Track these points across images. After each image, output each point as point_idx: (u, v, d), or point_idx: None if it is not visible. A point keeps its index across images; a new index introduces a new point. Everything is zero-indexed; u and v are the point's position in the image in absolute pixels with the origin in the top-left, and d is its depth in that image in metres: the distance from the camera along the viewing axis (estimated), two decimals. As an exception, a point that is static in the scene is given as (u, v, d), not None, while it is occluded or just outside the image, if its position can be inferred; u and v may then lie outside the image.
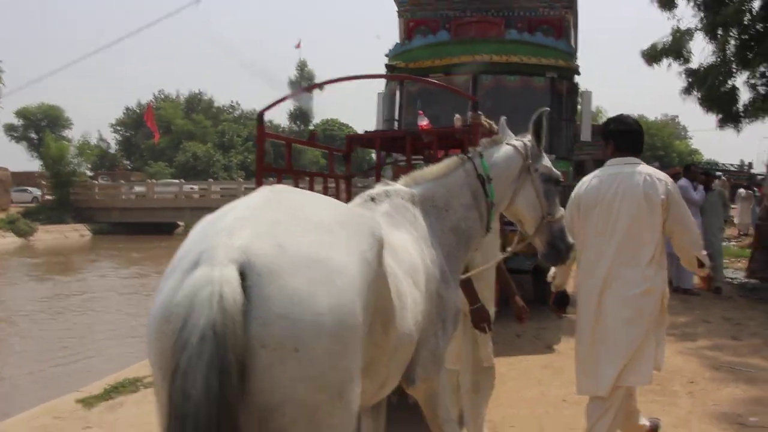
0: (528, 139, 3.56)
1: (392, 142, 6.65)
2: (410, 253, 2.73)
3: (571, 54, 9.47)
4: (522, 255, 9.33)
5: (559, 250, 3.57)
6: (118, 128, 62.79)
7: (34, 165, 54.26)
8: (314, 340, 1.70)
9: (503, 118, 3.76)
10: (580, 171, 22.93)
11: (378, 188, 3.12)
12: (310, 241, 1.84)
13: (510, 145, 3.52)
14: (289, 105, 63.89)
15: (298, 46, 60.52)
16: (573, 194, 4.16)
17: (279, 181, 5.69)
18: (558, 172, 3.62)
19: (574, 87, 9.69)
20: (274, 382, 1.68)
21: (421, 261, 2.80)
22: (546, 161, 3.59)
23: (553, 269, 4.28)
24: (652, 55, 13.28)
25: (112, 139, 64.32)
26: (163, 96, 62.47)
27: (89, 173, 48.23)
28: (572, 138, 9.62)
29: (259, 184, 5.35)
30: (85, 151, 44.50)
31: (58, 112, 61.56)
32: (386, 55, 9.91)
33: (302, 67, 61.57)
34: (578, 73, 9.70)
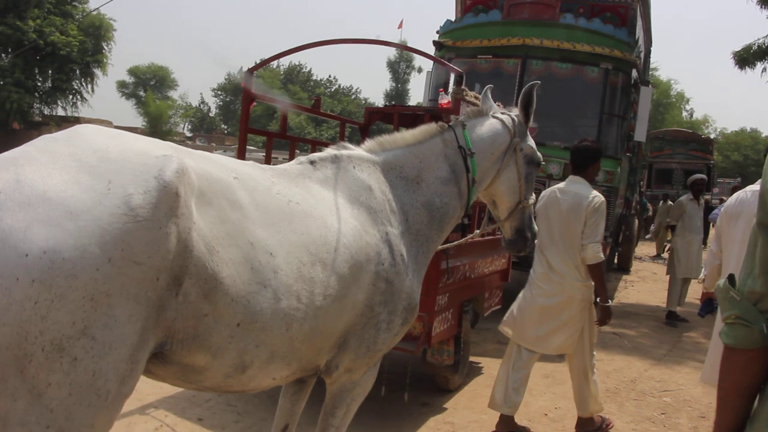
0: (515, 113, 3.23)
1: (413, 120, 6.33)
2: (326, 225, 2.39)
3: (631, 45, 8.72)
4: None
5: (525, 238, 3.31)
6: (219, 93, 64.39)
7: (139, 122, 56.48)
8: (13, 283, 1.54)
9: (487, 87, 3.44)
10: (667, 179, 21.93)
11: (327, 151, 2.77)
12: (55, 178, 1.67)
13: (497, 119, 3.18)
14: (386, 85, 63.95)
15: (399, 26, 60.12)
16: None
17: (269, 146, 5.46)
18: (540, 155, 3.29)
19: (632, 81, 8.93)
20: None
21: (352, 239, 2.46)
22: (531, 141, 3.27)
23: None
24: (744, 58, 12.25)
25: (213, 103, 66.06)
26: (264, 66, 63.79)
27: (188, 134, 49.61)
28: (624, 136, 8.89)
29: (242, 147, 5.14)
30: (183, 111, 45.83)
31: (166, 73, 63.67)
32: (437, 32, 9.47)
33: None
34: (636, 67, 8.95)
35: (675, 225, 9.20)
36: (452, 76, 8.34)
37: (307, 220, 2.33)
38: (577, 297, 4.43)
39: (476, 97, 4.62)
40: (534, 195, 3.32)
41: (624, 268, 14.33)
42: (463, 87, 4.38)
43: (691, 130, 27.00)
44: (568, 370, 6.38)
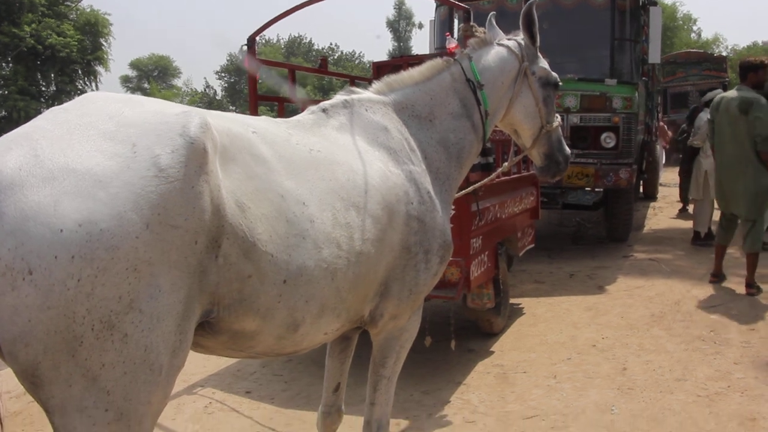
0: (521, 37, 3.13)
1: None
2: (352, 170, 2.34)
3: (635, -37, 8.46)
4: (581, 189, 8.76)
5: (557, 162, 3.22)
6: (223, 75, 64.21)
7: (146, 114, 56.70)
8: (52, 262, 1.47)
9: (491, 14, 3.32)
10: (683, 103, 21.52)
11: (336, 98, 2.69)
12: (76, 148, 1.59)
13: (502, 46, 3.09)
14: (390, 47, 63.29)
15: (396, -16, 59.15)
16: None
17: (280, 112, 5.40)
18: (555, 75, 3.19)
19: (640, 3, 8.68)
20: (11, 311, 1.48)
21: (379, 180, 2.41)
22: (543, 63, 3.17)
23: None
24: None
25: (218, 86, 65.96)
26: (264, 41, 63.28)
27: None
28: (639, 60, 8.68)
29: (254, 114, 5.08)
30: (190, 98, 45.81)
31: (167, 62, 63.85)
32: (434, -20, 9.23)
33: (399, 6, 60.66)
34: (643, -14, 8.68)
35: (699, 147, 8.94)
36: (456, 19, 8.17)
37: (332, 166, 2.28)
38: None
39: (485, 33, 4.50)
40: (558, 117, 3.21)
41: (650, 195, 14.15)
42: (471, 23, 4.24)
43: (702, 50, 26.39)
44: (607, 302, 6.38)
